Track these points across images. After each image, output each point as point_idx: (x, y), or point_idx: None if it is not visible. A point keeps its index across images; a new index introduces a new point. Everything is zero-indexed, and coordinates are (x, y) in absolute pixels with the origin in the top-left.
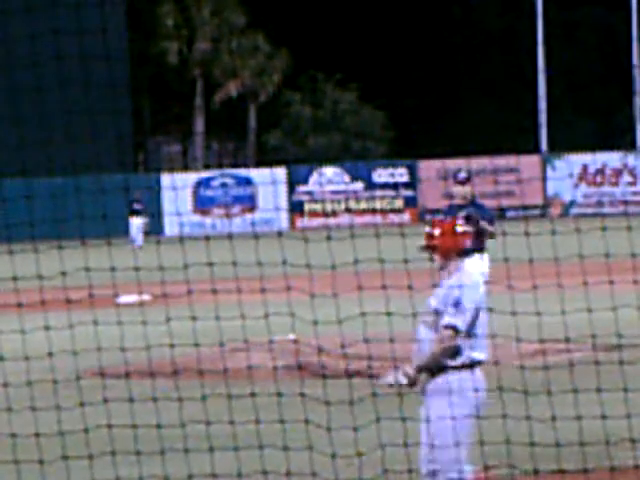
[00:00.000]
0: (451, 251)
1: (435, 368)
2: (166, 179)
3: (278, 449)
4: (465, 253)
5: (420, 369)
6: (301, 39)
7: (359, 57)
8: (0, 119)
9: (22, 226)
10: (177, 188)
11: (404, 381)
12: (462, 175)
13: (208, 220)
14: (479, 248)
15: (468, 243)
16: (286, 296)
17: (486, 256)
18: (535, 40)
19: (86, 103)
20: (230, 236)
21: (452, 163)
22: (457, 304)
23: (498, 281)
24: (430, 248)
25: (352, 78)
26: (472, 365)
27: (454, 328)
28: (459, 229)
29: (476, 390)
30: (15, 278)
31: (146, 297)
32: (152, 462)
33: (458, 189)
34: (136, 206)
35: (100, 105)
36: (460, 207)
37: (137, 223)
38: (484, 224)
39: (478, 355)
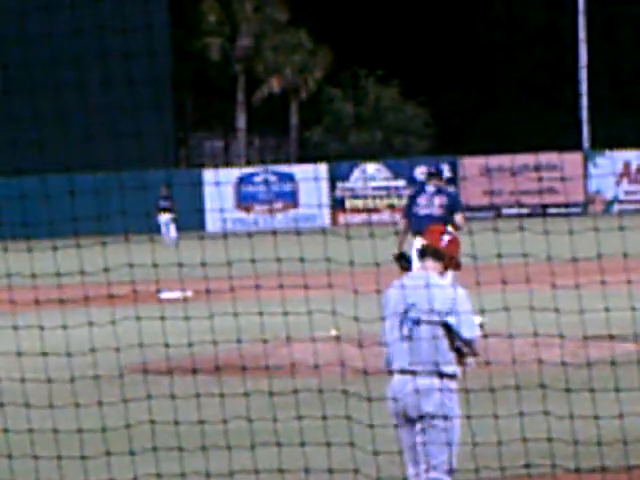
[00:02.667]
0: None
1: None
2: (208, 175)
3: (320, 446)
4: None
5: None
6: (343, 35)
7: (401, 53)
8: (43, 116)
9: (65, 222)
10: (221, 184)
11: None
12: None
13: (250, 216)
14: None
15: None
16: (329, 292)
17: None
18: (577, 36)
19: (129, 99)
20: (274, 232)
21: (494, 160)
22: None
23: (541, 279)
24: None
25: (394, 74)
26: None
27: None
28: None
29: None
30: (58, 274)
31: (188, 293)
32: (194, 458)
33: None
34: (163, 203)
35: (143, 101)
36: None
37: (164, 219)
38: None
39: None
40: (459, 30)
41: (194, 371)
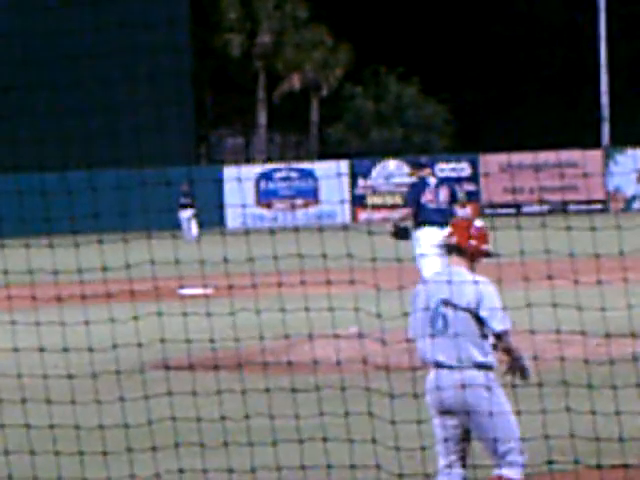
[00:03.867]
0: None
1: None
2: (228, 172)
3: (342, 442)
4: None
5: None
6: (364, 32)
7: (421, 51)
8: (65, 111)
9: (87, 218)
10: (242, 180)
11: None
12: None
13: (270, 213)
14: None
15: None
16: (350, 289)
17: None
18: (597, 34)
19: (150, 96)
20: (296, 229)
21: (515, 157)
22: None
23: (564, 275)
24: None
25: (414, 72)
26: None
27: None
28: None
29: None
30: (80, 270)
31: (209, 290)
32: (215, 455)
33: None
34: (183, 200)
35: (164, 98)
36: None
37: (185, 216)
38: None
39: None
40: (480, 27)
41: (216, 367)
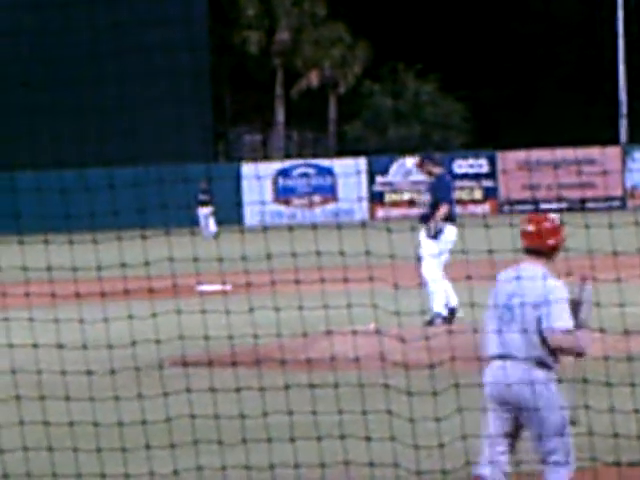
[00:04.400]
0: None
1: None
2: (246, 169)
3: (360, 439)
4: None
5: None
6: (382, 30)
7: (439, 48)
8: (84, 110)
9: (105, 215)
10: (260, 178)
11: None
12: (416, 159)
13: (288, 210)
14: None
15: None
16: (368, 286)
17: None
18: (615, 30)
19: (168, 93)
20: (314, 226)
21: (533, 154)
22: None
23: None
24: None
25: (432, 69)
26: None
27: None
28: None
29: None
30: (99, 267)
31: (228, 287)
32: (234, 451)
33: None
34: (202, 197)
35: (182, 95)
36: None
37: (203, 213)
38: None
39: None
40: (498, 24)
41: (234, 364)
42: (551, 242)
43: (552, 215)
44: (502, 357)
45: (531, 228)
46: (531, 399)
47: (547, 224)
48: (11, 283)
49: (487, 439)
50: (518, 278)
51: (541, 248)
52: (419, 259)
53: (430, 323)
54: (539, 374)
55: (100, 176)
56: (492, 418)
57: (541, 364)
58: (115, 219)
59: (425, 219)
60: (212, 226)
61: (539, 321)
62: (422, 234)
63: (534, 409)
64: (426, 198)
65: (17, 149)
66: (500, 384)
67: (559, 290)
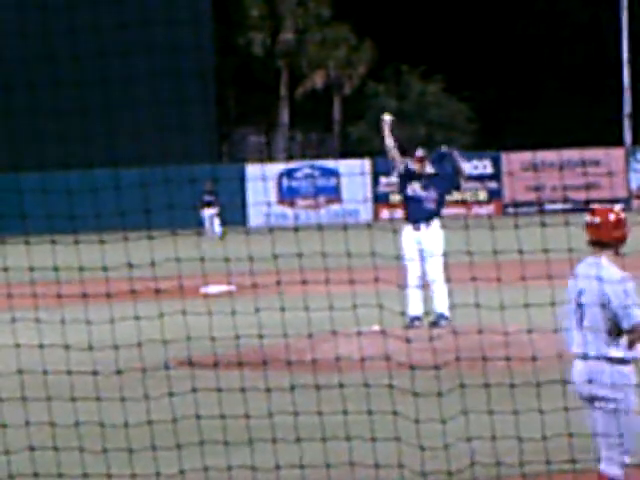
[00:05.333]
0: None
1: None
2: (251, 170)
3: (365, 440)
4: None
5: None
6: (386, 31)
7: (444, 49)
8: (90, 110)
9: (111, 216)
10: (265, 179)
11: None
12: (419, 153)
13: (292, 211)
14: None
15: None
16: (374, 287)
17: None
18: (619, 31)
19: (173, 94)
20: (320, 227)
21: (537, 155)
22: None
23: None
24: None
25: (437, 70)
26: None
27: None
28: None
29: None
30: (105, 268)
31: (233, 288)
32: (240, 452)
33: (416, 166)
34: (207, 198)
35: (186, 96)
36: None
37: (208, 214)
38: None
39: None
40: (502, 25)
41: (240, 365)
42: (617, 234)
43: (617, 207)
44: (578, 354)
45: (597, 220)
46: (598, 395)
47: (612, 216)
48: (17, 284)
49: (594, 437)
50: (587, 274)
51: (607, 240)
52: (421, 258)
53: (434, 324)
54: (606, 370)
55: (106, 177)
56: (587, 416)
57: (609, 360)
58: (121, 219)
59: (430, 216)
60: (217, 227)
61: (610, 318)
62: (427, 231)
63: (599, 405)
64: (427, 194)
65: (23, 150)
66: (577, 382)
67: (628, 287)
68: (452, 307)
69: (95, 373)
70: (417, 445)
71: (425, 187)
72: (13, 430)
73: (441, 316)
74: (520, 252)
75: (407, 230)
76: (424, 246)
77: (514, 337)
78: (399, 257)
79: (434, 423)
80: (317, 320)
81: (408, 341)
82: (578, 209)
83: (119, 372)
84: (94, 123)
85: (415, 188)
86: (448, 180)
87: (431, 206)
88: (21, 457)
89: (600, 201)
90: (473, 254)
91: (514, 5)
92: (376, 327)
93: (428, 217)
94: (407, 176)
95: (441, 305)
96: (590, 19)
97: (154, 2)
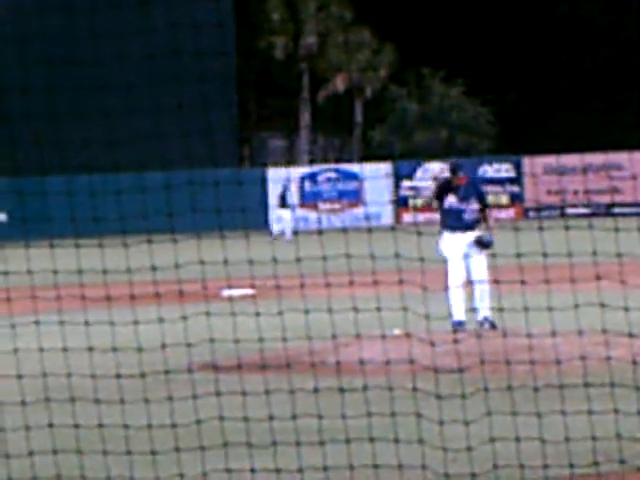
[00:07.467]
0: None
1: None
2: (272, 173)
3: (389, 442)
4: None
5: None
6: (407, 34)
7: (465, 52)
8: (113, 113)
9: (135, 219)
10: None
11: None
12: (461, 174)
13: (314, 214)
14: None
15: None
16: (398, 290)
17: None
18: None
19: (195, 98)
20: (344, 230)
21: (560, 159)
22: None
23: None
24: None
25: (458, 73)
26: None
27: None
28: None
29: None
30: (129, 270)
31: (256, 290)
32: (263, 455)
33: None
34: (288, 200)
35: (208, 100)
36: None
37: (288, 217)
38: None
39: None
40: (523, 29)
41: (263, 368)
42: None
43: None
44: None
45: None
46: None
47: None
48: (42, 286)
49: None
50: None
51: None
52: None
53: (481, 324)
54: None
55: (131, 180)
56: None
57: None
58: (145, 222)
59: (473, 225)
60: (289, 231)
61: None
62: (471, 241)
63: None
64: (468, 205)
65: (47, 153)
66: None
67: None
68: (472, 311)
69: (119, 376)
70: (440, 447)
71: (466, 198)
72: (36, 432)
73: (485, 319)
74: (544, 255)
75: (447, 234)
76: (467, 248)
77: (538, 340)
78: (422, 259)
79: (457, 425)
80: (341, 323)
81: (432, 344)
82: (600, 213)
83: (143, 375)
84: (118, 126)
85: (452, 201)
86: (483, 194)
87: (474, 216)
88: (44, 460)
89: (623, 205)
90: (497, 257)
91: (536, 9)
92: (397, 331)
93: (469, 226)
94: (444, 189)
95: (485, 307)
96: (612, 23)
97: (176, 6)
